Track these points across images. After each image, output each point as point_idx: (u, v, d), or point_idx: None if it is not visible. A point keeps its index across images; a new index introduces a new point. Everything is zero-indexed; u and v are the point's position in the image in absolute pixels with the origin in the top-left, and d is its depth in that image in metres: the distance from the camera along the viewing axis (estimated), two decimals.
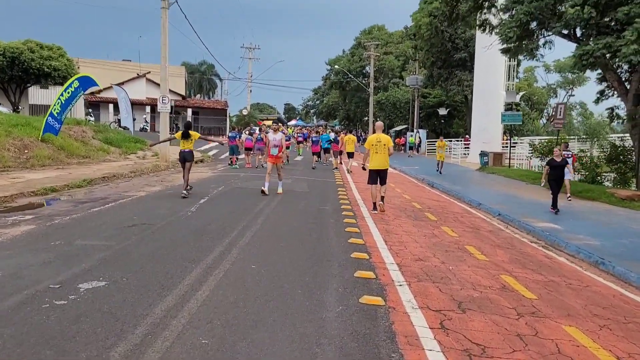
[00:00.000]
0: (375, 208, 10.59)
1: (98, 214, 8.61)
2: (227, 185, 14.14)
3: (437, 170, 21.85)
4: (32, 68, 30.54)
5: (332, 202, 11.86)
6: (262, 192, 11.96)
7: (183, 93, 53.42)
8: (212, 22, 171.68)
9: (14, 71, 30.52)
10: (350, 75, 53.73)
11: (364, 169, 11.03)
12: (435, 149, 41.62)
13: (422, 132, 43.80)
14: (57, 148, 18.72)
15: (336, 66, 57.95)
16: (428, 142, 42.99)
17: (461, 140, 37.66)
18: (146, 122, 42.52)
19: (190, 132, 11.72)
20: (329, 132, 32.08)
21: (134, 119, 43.59)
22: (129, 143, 25.33)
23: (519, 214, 11.63)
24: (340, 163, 24.96)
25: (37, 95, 33.67)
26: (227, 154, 22.87)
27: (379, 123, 11.34)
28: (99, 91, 41.95)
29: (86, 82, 17.51)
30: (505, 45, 19.09)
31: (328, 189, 14.81)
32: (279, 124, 12.69)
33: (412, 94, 46.39)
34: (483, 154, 26.87)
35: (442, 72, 39.09)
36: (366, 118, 57.53)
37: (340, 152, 24.90)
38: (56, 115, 17.33)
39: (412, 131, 44.55)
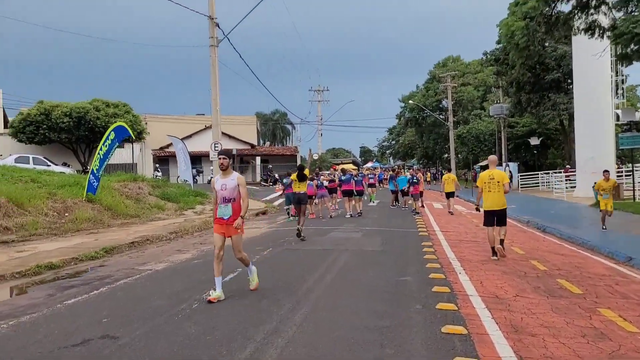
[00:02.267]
0: (494, 254, 9.14)
1: (60, 314, 5.78)
2: (277, 245, 11.10)
3: (604, 227, 13.58)
4: (97, 127, 30.00)
5: (416, 268, 8.41)
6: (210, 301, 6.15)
7: (254, 142, 52.34)
8: (283, 71, 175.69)
9: (80, 131, 30.16)
10: (426, 110, 50.17)
11: (477, 210, 9.65)
12: (531, 184, 37.20)
13: (513, 166, 38.94)
14: (104, 208, 16.83)
15: (410, 101, 54.70)
16: (520, 176, 38.05)
17: (561, 172, 32.59)
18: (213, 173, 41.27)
19: (306, 172, 11.37)
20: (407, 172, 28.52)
21: (201, 172, 42.56)
22: (188, 197, 23.44)
23: None
24: (422, 206, 21.43)
25: None
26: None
27: (492, 157, 9.76)
28: (167, 146, 41.44)
29: (121, 132, 15.58)
30: (624, 50, 15.13)
31: (409, 244, 11.34)
32: (225, 158, 6.35)
33: (497, 125, 41.92)
34: None
35: (531, 97, 34.56)
36: (446, 155, 53.35)
37: (421, 194, 21.42)
38: (96, 172, 15.44)
39: (501, 165, 39.86)
